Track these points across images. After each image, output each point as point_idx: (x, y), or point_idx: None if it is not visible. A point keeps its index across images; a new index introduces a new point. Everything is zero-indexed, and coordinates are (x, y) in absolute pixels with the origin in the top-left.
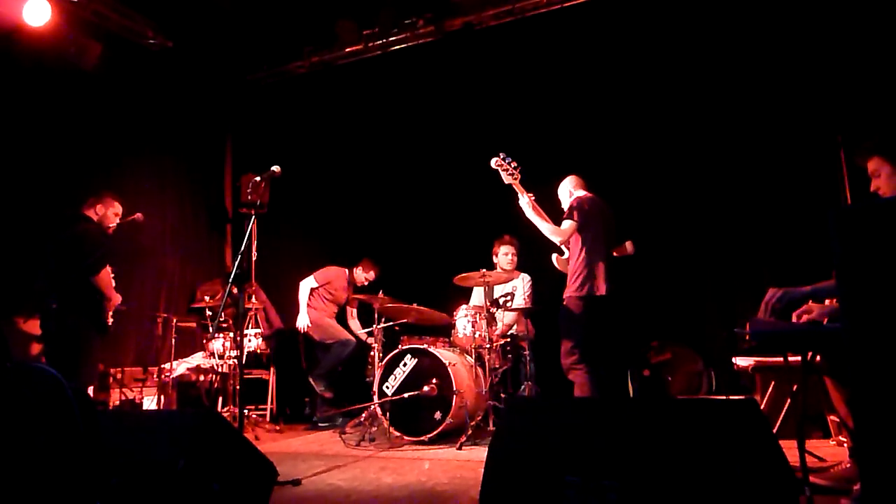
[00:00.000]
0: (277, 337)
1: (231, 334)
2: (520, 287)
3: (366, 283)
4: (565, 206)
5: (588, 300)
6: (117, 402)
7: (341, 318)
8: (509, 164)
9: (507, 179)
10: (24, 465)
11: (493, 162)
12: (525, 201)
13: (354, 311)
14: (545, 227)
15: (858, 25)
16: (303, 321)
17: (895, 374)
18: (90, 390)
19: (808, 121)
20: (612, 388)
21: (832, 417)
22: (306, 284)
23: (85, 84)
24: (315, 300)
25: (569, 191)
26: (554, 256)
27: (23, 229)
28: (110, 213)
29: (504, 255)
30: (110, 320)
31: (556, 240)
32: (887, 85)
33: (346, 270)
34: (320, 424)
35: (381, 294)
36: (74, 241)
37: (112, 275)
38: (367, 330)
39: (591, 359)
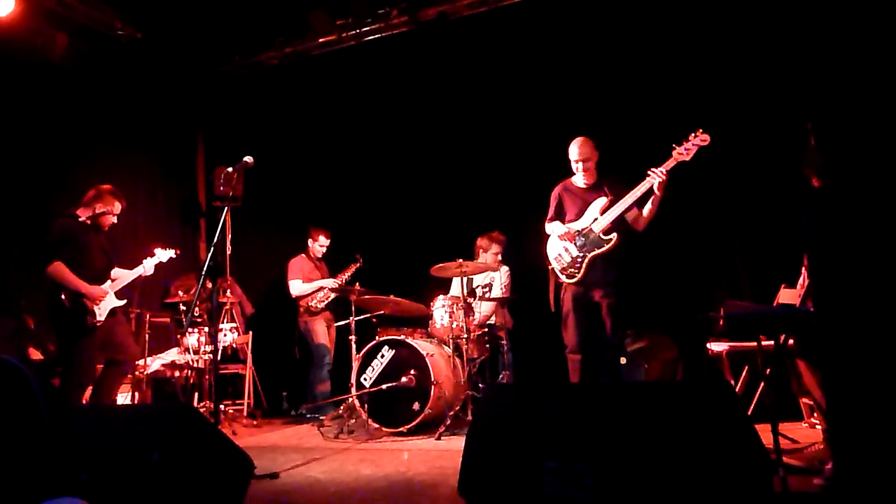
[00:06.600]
0: (253, 323)
1: (206, 329)
2: (497, 278)
3: (324, 250)
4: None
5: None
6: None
7: None
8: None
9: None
10: None
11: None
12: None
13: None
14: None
15: (829, 15)
16: (328, 282)
17: (866, 354)
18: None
19: (779, 108)
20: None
21: (804, 400)
22: (295, 283)
23: (52, 76)
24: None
25: None
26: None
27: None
28: (108, 212)
29: (494, 255)
30: (98, 317)
31: None
32: (856, 75)
33: (302, 254)
34: (308, 416)
35: (357, 286)
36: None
37: (92, 266)
38: (343, 322)
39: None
